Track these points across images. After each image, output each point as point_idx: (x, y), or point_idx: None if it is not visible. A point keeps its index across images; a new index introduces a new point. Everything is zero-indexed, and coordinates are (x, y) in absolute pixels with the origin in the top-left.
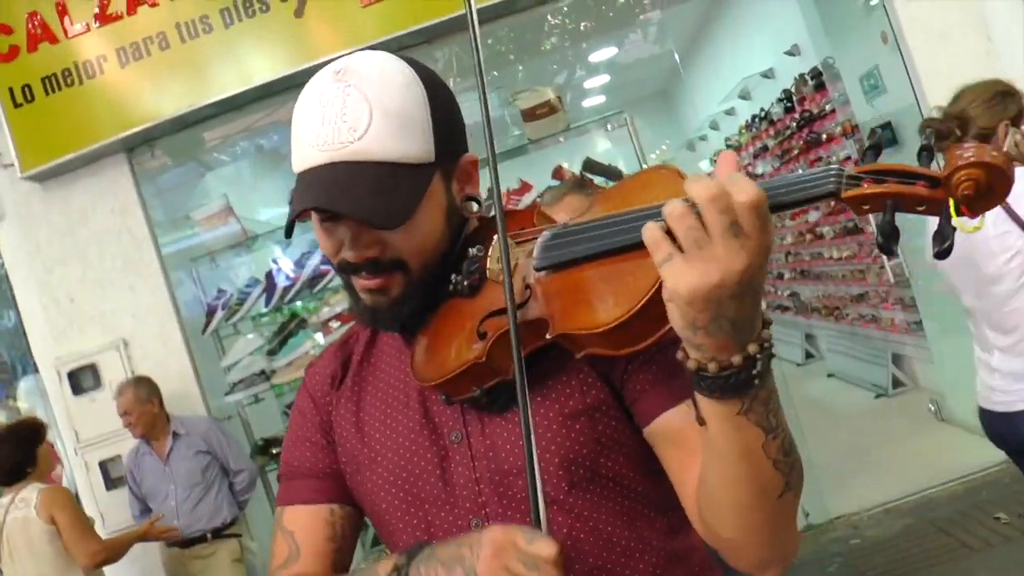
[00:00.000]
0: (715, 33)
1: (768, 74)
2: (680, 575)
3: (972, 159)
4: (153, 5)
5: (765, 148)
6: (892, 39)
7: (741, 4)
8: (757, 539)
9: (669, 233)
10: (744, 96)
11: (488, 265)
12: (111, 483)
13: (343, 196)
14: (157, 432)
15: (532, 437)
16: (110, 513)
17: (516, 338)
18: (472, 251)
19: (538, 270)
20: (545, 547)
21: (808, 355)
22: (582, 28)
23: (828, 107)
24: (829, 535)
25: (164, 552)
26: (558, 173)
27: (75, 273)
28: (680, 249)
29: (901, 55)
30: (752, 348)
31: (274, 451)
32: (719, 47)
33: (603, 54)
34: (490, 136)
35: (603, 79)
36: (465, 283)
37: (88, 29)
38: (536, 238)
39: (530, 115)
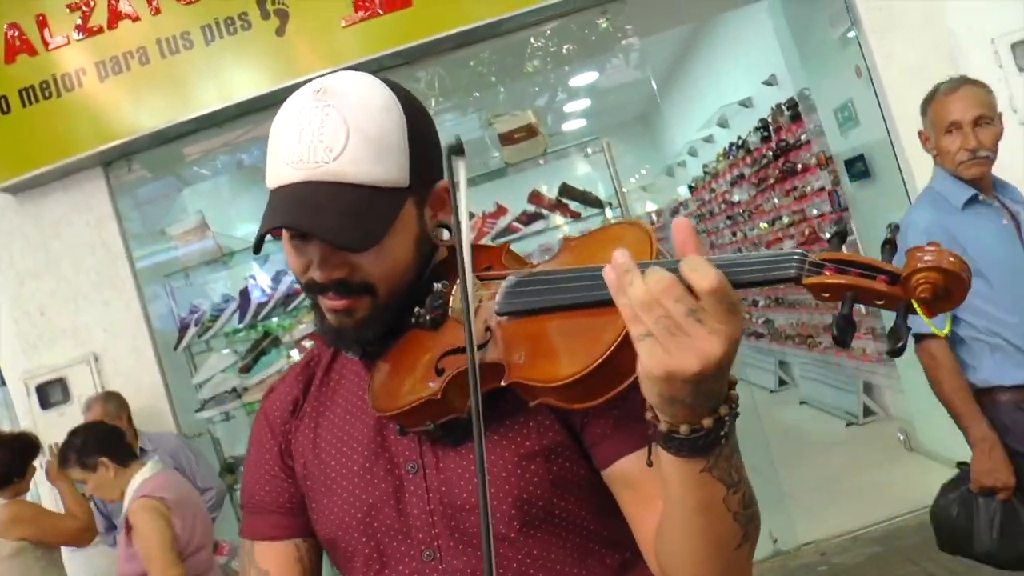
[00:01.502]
0: (695, 61)
1: (746, 103)
2: None
3: (930, 263)
4: (135, 20)
5: (742, 176)
6: (866, 73)
7: (720, 33)
8: None
9: None
10: (722, 124)
11: (451, 303)
12: None
13: (314, 216)
14: None
15: (486, 481)
16: None
17: (475, 382)
18: (437, 286)
19: (499, 315)
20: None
21: (781, 382)
22: (564, 51)
23: (804, 137)
24: (797, 561)
25: None
26: (534, 198)
27: (47, 286)
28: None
29: (875, 89)
30: (722, 410)
31: (243, 470)
32: (698, 74)
33: (584, 78)
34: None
35: (584, 103)
36: (428, 317)
37: (68, 41)
38: (501, 280)
39: (508, 139)
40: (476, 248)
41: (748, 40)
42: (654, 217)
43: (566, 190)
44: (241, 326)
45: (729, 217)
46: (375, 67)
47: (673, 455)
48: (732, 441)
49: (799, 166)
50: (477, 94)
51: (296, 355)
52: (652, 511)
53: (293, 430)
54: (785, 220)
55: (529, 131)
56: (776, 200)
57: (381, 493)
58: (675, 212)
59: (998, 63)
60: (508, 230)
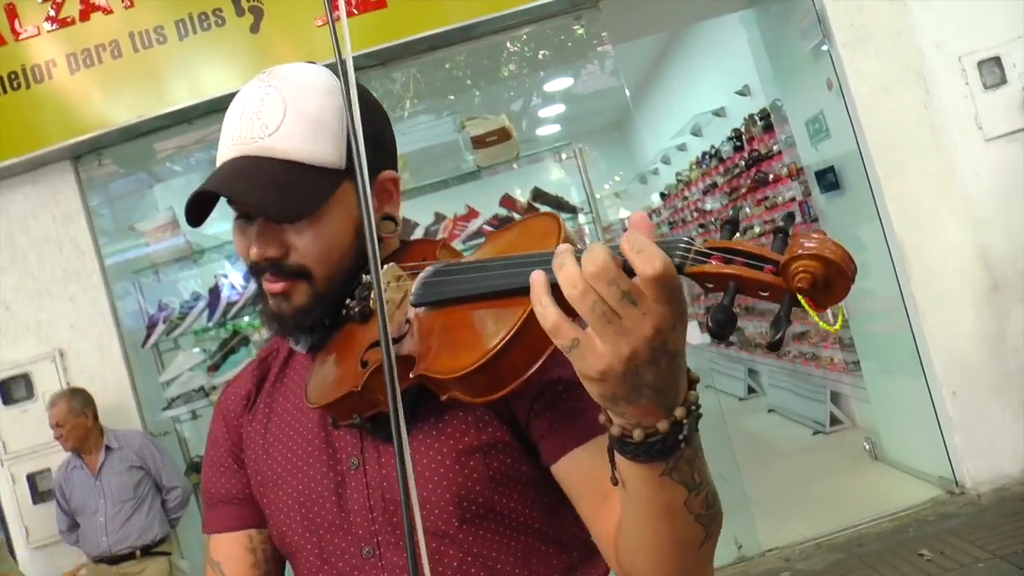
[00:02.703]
0: (669, 69)
1: (719, 112)
2: None
3: (810, 250)
4: (108, 12)
5: (715, 185)
6: (837, 86)
7: (694, 43)
8: None
9: (563, 307)
10: (696, 133)
11: (373, 295)
12: (38, 497)
13: (242, 186)
14: (89, 445)
15: (408, 471)
16: (35, 528)
17: (391, 373)
18: (366, 277)
19: (414, 305)
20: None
21: (750, 390)
22: (540, 57)
23: (776, 148)
24: (761, 567)
25: (91, 569)
26: (506, 201)
27: (11, 280)
28: (580, 326)
29: (845, 103)
30: (679, 412)
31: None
32: (672, 83)
33: (559, 84)
34: (365, 194)
35: (558, 109)
36: (356, 309)
37: (39, 32)
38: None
39: (480, 143)
40: (413, 243)
41: (722, 50)
42: (627, 223)
43: (539, 195)
44: (210, 324)
45: (701, 225)
46: (354, 65)
47: (629, 460)
48: (695, 443)
49: (771, 176)
50: (452, 97)
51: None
52: (608, 508)
53: (246, 424)
54: (757, 230)
55: (502, 134)
56: (748, 210)
57: (323, 488)
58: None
59: (964, 80)
60: (479, 233)
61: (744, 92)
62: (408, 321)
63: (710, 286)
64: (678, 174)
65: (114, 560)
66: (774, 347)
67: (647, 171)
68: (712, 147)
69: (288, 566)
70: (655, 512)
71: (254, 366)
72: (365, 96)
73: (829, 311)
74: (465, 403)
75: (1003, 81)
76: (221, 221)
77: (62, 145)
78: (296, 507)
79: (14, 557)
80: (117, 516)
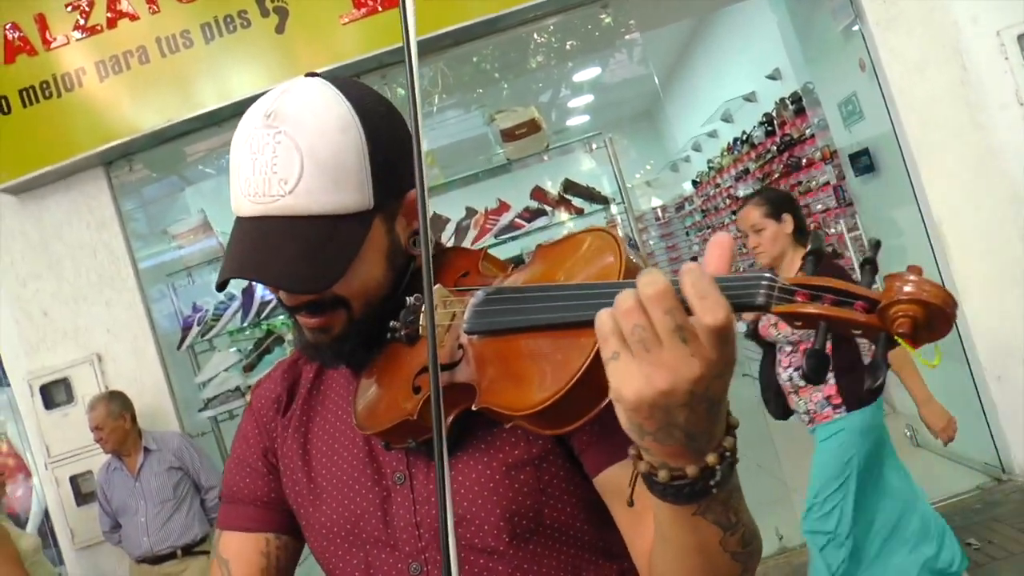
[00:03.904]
0: (697, 55)
1: (750, 97)
2: None
3: (909, 295)
4: (134, 19)
5: (746, 171)
6: (870, 67)
7: (722, 27)
8: None
9: None
10: (726, 119)
11: (422, 320)
12: (81, 499)
13: (270, 261)
14: (129, 448)
15: (449, 498)
16: (80, 529)
17: (437, 407)
18: (410, 300)
19: (468, 333)
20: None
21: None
22: (567, 47)
23: (808, 132)
24: (802, 558)
25: (132, 568)
26: (537, 194)
27: (49, 287)
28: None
29: (878, 83)
30: (711, 459)
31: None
32: (701, 69)
33: (587, 74)
34: (423, 201)
35: (587, 99)
36: (403, 332)
37: (68, 41)
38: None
39: (509, 135)
40: (453, 252)
41: (751, 34)
42: (659, 212)
43: (570, 186)
44: (244, 325)
45: (734, 212)
46: (375, 64)
47: (657, 498)
48: (729, 485)
49: (804, 161)
50: (480, 90)
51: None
52: (641, 525)
53: (280, 430)
54: None
55: (531, 127)
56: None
57: (368, 504)
58: (679, 208)
59: (1004, 55)
60: (511, 227)
61: (775, 76)
62: (461, 347)
63: (799, 324)
64: (709, 161)
65: (156, 560)
66: (875, 393)
67: (678, 159)
68: (743, 133)
69: None
70: (687, 550)
71: (284, 368)
72: (374, 113)
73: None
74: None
75: None
76: None
77: (94, 152)
78: (341, 522)
79: (61, 559)
80: (158, 517)
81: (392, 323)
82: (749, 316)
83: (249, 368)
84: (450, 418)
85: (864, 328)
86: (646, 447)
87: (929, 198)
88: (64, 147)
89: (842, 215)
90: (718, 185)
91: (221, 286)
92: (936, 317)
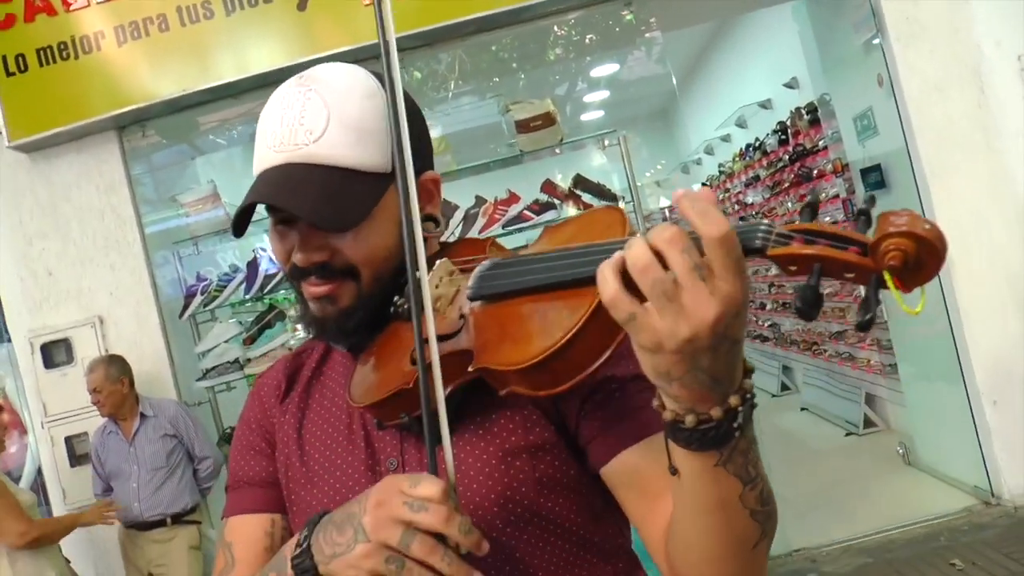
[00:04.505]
0: (716, 59)
1: (766, 104)
2: None
3: (903, 228)
4: None
5: (757, 178)
6: (887, 83)
7: (743, 32)
8: None
9: (626, 284)
10: (741, 124)
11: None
12: (76, 460)
13: (291, 195)
14: (125, 412)
15: (436, 364)
16: (72, 490)
17: (422, 364)
18: (416, 274)
19: (471, 299)
20: (430, 486)
21: (784, 387)
22: (587, 41)
23: (821, 143)
24: (787, 567)
25: (121, 533)
26: (547, 187)
27: (55, 247)
28: (641, 301)
29: (895, 99)
30: (733, 400)
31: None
32: (719, 73)
33: (605, 70)
34: (402, 160)
35: (603, 95)
36: (405, 306)
37: (88, 4)
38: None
39: (524, 127)
40: (461, 242)
41: (771, 41)
42: (667, 213)
43: (580, 181)
44: (247, 297)
45: (742, 219)
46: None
47: (682, 448)
48: (748, 434)
49: (815, 172)
50: (497, 79)
51: (301, 328)
52: (659, 509)
53: (278, 415)
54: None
55: (546, 120)
56: (790, 204)
57: (360, 488)
58: None
59: (1023, 80)
60: (519, 218)
61: (792, 85)
62: (463, 316)
63: (793, 268)
64: (721, 165)
65: (145, 526)
66: (863, 327)
67: (690, 161)
68: (756, 139)
69: None
70: (709, 506)
71: (288, 359)
72: (409, 99)
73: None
74: (516, 401)
75: None
76: None
77: (107, 116)
78: (332, 507)
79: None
80: (150, 483)
81: (396, 299)
82: None
83: (249, 341)
84: (448, 389)
85: (857, 270)
86: (673, 394)
87: (938, 218)
88: (78, 109)
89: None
90: (727, 190)
91: (240, 223)
92: (927, 253)
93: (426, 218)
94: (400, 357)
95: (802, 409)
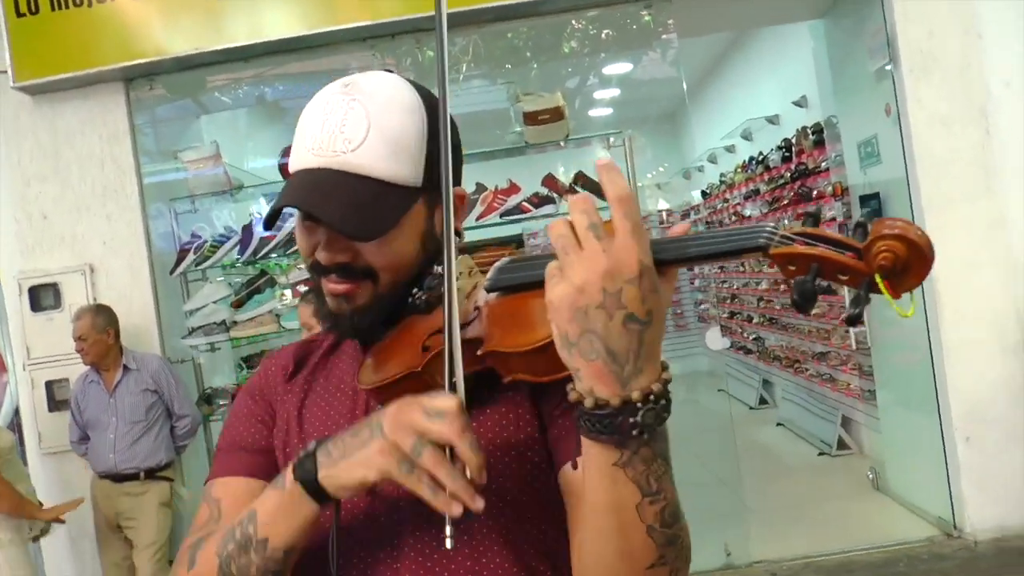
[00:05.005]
0: (728, 69)
1: (773, 120)
2: None
3: (896, 231)
4: None
5: (757, 191)
6: (895, 113)
7: (758, 46)
8: None
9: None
10: (746, 136)
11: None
12: (54, 404)
13: (323, 201)
14: (108, 363)
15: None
16: (49, 434)
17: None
18: (437, 268)
19: (488, 290)
20: (447, 400)
21: (762, 400)
22: (602, 37)
23: (824, 164)
24: None
25: (94, 482)
26: (548, 181)
27: (53, 191)
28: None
29: (901, 130)
30: (635, 395)
31: (221, 403)
32: (730, 83)
33: (617, 68)
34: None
35: (613, 92)
36: (423, 298)
37: None
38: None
39: (532, 119)
40: (486, 247)
41: (785, 57)
42: (664, 216)
43: (581, 178)
44: (240, 260)
45: None
46: (411, 27)
47: (583, 435)
48: (655, 447)
49: (814, 192)
50: (509, 66)
51: (289, 295)
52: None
53: (283, 393)
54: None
55: (555, 114)
56: (787, 222)
57: None
58: (685, 215)
59: None
60: (517, 209)
61: (801, 103)
62: (477, 308)
63: (792, 268)
64: (722, 175)
65: (119, 478)
66: (851, 321)
67: (692, 167)
68: (760, 153)
69: None
70: (604, 506)
71: (298, 345)
72: (439, 110)
73: (905, 296)
74: (512, 400)
75: None
76: (262, 158)
77: (117, 67)
78: None
79: (25, 461)
80: (127, 436)
81: (414, 291)
82: None
83: (238, 304)
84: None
85: (851, 272)
86: (575, 366)
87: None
88: (87, 57)
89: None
90: (726, 200)
91: (271, 219)
92: (916, 258)
93: None
94: (413, 345)
95: (778, 424)
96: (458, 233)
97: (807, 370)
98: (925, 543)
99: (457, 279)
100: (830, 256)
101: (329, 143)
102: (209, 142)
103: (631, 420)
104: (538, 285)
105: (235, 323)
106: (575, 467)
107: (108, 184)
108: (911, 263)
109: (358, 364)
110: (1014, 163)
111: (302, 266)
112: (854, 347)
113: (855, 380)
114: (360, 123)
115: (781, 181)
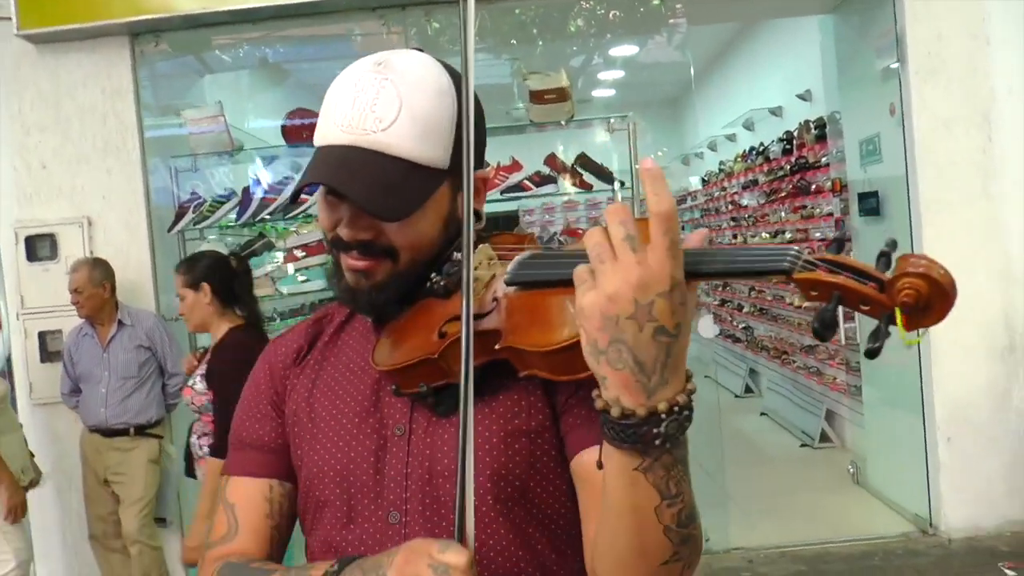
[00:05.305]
0: (735, 57)
1: (776, 111)
2: None
3: (921, 270)
4: None
5: (755, 182)
6: (899, 113)
7: (766, 37)
8: None
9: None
10: (748, 126)
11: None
12: (46, 355)
13: (351, 179)
14: (103, 317)
15: (470, 446)
16: (40, 385)
17: (468, 339)
18: (457, 255)
19: (508, 284)
20: (456, 555)
21: (748, 389)
22: (610, 17)
23: (824, 159)
24: (723, 563)
25: (84, 436)
26: (550, 160)
27: (53, 142)
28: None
29: (903, 129)
30: (661, 405)
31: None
32: (735, 72)
33: (624, 50)
34: (468, 155)
35: (618, 74)
36: (442, 283)
37: None
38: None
39: (538, 98)
40: (503, 234)
41: (792, 50)
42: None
43: (583, 160)
44: (238, 222)
45: (734, 219)
46: None
47: (607, 442)
48: (676, 453)
49: (813, 187)
50: (514, 42)
51: (281, 259)
52: (599, 509)
53: (292, 377)
54: (788, 235)
55: (560, 94)
56: (783, 214)
57: (364, 450)
58: (682, 201)
59: None
60: (519, 187)
61: (805, 97)
62: (496, 299)
63: (814, 294)
64: (722, 163)
65: (109, 433)
66: (872, 355)
67: (692, 153)
68: (761, 144)
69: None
70: (624, 508)
71: (308, 324)
72: (477, 102)
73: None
74: (525, 387)
75: None
76: (263, 119)
77: (122, 21)
78: (333, 463)
79: (15, 411)
80: (118, 391)
81: (433, 276)
82: None
83: None
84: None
85: (872, 303)
86: (602, 375)
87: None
88: (94, 9)
89: (839, 228)
90: (724, 189)
91: (297, 193)
92: (938, 296)
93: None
94: (430, 329)
95: (762, 414)
96: (478, 214)
97: (794, 362)
98: (901, 539)
99: (476, 268)
100: (852, 286)
101: (360, 121)
102: (213, 101)
103: (655, 431)
104: (561, 284)
105: None
106: (597, 465)
107: (109, 139)
108: (933, 302)
109: (369, 342)
110: (1014, 169)
111: (300, 233)
112: (843, 342)
113: (842, 375)
114: (392, 102)
115: (780, 173)
